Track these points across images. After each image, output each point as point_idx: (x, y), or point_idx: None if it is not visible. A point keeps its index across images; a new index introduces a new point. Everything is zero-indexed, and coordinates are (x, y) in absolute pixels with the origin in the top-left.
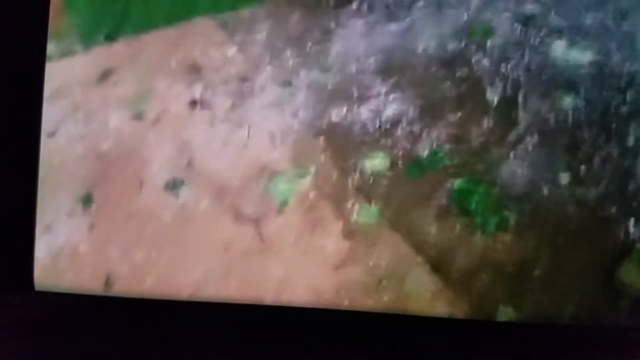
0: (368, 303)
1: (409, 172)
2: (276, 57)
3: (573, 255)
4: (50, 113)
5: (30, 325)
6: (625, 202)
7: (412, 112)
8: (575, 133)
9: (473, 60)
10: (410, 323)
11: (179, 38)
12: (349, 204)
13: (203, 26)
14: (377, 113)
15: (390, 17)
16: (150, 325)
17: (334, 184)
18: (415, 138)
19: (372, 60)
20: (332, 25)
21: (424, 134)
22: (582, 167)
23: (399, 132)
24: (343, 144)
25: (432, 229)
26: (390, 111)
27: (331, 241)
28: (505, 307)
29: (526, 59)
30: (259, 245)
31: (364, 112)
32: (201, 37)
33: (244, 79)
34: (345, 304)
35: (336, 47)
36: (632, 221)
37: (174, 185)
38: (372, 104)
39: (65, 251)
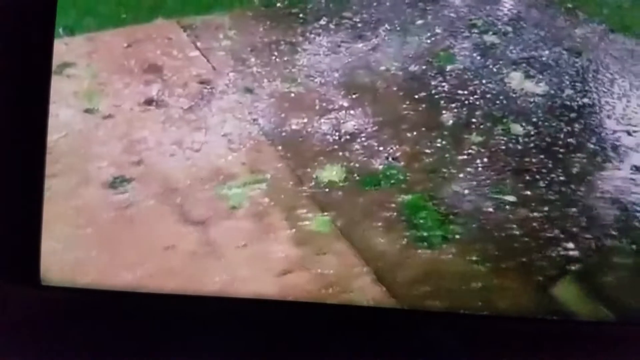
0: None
1: (363, 184)
2: (240, 64)
3: (512, 272)
4: None
5: (37, 318)
6: (566, 226)
7: (370, 127)
8: (523, 158)
9: (432, 84)
10: (409, 320)
11: (141, 38)
12: (302, 213)
13: (166, 28)
14: (337, 126)
15: (357, 36)
16: (152, 320)
17: (289, 192)
18: (371, 153)
19: (336, 75)
20: (300, 39)
21: (381, 150)
22: (527, 191)
23: (356, 146)
24: (300, 153)
25: (380, 241)
26: (349, 125)
27: (280, 248)
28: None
29: (483, 86)
30: (205, 247)
31: (324, 124)
32: (163, 39)
33: (204, 82)
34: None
35: (302, 60)
36: (570, 244)
37: (120, 183)
38: (332, 117)
39: None
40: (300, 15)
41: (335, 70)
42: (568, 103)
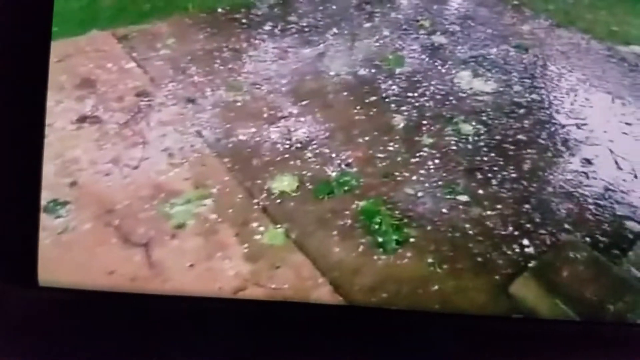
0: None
1: (316, 193)
2: (180, 73)
3: (469, 272)
4: None
5: (35, 318)
6: (520, 223)
7: (322, 134)
8: (474, 157)
9: (383, 87)
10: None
11: (73, 52)
12: (253, 226)
13: (100, 40)
14: (287, 134)
15: (304, 41)
16: (151, 320)
17: (238, 206)
18: (324, 160)
19: (284, 82)
20: (244, 45)
21: (333, 156)
22: (480, 190)
23: (308, 154)
24: (249, 164)
25: (336, 250)
26: (300, 133)
27: (232, 265)
28: None
29: (432, 87)
30: (147, 271)
31: (274, 133)
32: (97, 51)
33: (141, 94)
34: None
35: (247, 67)
36: (525, 241)
37: (55, 207)
38: (282, 125)
39: None
40: (244, 20)
41: (283, 76)
42: (517, 100)
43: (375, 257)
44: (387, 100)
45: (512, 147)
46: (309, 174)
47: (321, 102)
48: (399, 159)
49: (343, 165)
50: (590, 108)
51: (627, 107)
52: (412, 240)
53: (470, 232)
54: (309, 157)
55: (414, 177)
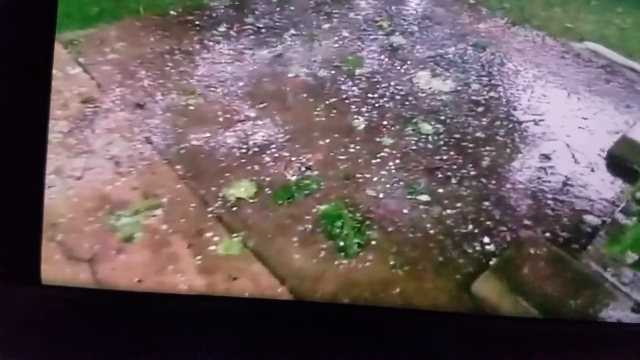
0: None
1: (275, 198)
2: (129, 78)
3: (430, 273)
4: None
5: (37, 317)
6: (480, 221)
7: (281, 137)
8: (434, 157)
9: (343, 88)
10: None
11: None
12: (208, 237)
13: None
14: (244, 138)
15: (261, 43)
16: (151, 319)
17: (191, 216)
18: (283, 164)
19: (240, 84)
20: (197, 47)
21: (293, 160)
22: (440, 189)
23: (266, 158)
24: (203, 171)
25: (297, 257)
26: (258, 136)
27: (184, 279)
28: None
29: (392, 87)
30: (94, 287)
31: (230, 138)
32: None
33: (87, 101)
34: None
35: (201, 70)
36: (486, 238)
37: None
38: (238, 129)
39: None
40: (197, 22)
41: (239, 79)
42: (475, 98)
43: (336, 262)
44: (347, 101)
45: (471, 145)
46: (268, 178)
47: (280, 104)
48: (360, 160)
49: (303, 168)
50: (547, 104)
51: (583, 102)
52: (373, 242)
53: (431, 231)
54: (268, 161)
55: (375, 179)
